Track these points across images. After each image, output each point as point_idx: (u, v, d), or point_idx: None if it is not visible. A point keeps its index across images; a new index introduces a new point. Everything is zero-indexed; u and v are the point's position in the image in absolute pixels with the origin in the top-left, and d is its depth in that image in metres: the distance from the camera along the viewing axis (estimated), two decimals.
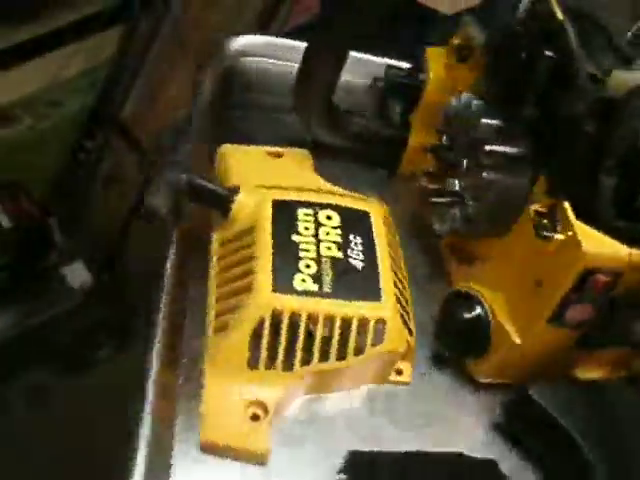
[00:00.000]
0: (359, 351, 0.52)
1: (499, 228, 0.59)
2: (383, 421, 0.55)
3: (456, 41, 0.65)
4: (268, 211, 0.56)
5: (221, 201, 0.57)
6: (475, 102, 0.59)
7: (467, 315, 0.55)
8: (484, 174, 0.58)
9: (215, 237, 0.58)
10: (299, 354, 0.51)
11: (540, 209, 0.52)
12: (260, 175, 0.62)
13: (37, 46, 1.09)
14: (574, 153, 0.51)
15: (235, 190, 0.57)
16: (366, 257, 0.55)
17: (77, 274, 1.02)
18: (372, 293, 0.53)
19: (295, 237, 0.55)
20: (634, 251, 0.49)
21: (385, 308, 0.53)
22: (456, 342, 0.57)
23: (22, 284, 0.98)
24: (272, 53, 0.80)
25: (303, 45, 0.64)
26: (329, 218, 0.57)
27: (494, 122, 0.58)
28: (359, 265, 0.54)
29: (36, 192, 1.09)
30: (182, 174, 0.56)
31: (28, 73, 1.10)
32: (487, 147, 0.58)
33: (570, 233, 0.49)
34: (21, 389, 1.08)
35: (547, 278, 0.51)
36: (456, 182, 0.61)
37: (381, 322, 0.52)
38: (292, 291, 0.52)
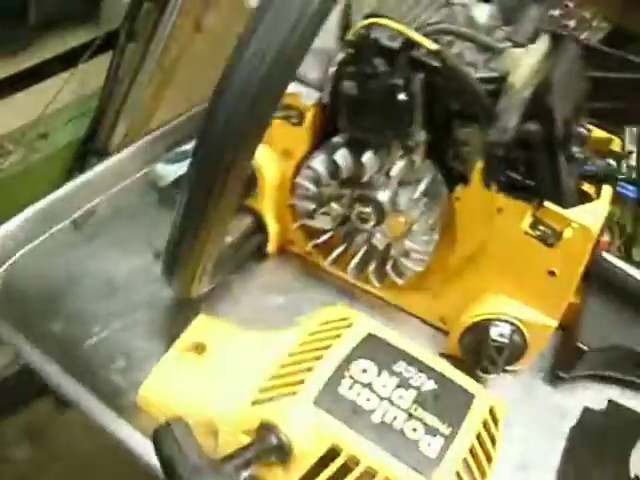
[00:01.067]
0: (494, 441, 0.51)
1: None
2: None
3: None
4: (327, 421, 0.47)
5: (275, 449, 0.46)
6: (367, 155, 0.54)
7: (504, 340, 0.56)
8: (415, 213, 0.56)
9: None
10: None
11: (530, 221, 0.53)
12: (230, 383, 0.51)
13: (25, 78, 1.09)
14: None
15: (270, 427, 0.46)
16: (424, 371, 0.51)
17: None
18: (466, 397, 0.50)
19: (375, 417, 0.48)
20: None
21: (484, 399, 0.51)
22: (497, 363, 0.57)
23: None
24: None
25: None
26: (365, 371, 0.50)
27: (400, 164, 0.54)
28: (432, 385, 0.50)
29: None
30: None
31: (18, 106, 1.10)
32: (406, 192, 0.55)
33: (575, 225, 0.52)
34: (20, 426, 1.14)
35: (562, 267, 0.54)
36: (378, 235, 0.57)
37: (492, 411, 0.51)
38: (435, 461, 0.47)
